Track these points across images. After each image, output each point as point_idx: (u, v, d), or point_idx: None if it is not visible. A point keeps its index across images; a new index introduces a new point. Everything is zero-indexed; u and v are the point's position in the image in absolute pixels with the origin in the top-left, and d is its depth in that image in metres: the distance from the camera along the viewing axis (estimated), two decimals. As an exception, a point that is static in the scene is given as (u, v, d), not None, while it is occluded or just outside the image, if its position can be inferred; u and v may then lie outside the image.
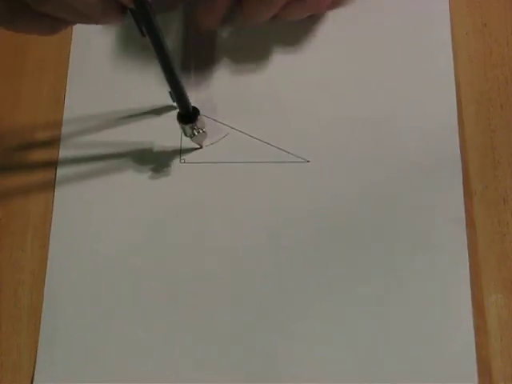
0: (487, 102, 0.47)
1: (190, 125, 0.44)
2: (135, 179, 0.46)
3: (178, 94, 0.42)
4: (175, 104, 0.46)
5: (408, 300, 0.42)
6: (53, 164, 0.47)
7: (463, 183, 0.44)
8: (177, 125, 0.45)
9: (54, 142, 0.48)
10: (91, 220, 0.46)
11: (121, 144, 0.47)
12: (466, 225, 0.43)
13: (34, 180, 0.47)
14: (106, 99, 0.49)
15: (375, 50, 0.49)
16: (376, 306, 0.42)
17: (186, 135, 0.45)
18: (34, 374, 0.42)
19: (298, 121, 0.47)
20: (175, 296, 0.43)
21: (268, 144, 0.47)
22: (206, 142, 0.47)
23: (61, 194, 0.46)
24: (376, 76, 0.48)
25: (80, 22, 0.37)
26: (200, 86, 0.48)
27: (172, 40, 0.49)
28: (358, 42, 0.49)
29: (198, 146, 0.47)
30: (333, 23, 0.49)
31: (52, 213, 0.46)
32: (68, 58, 0.50)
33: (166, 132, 0.47)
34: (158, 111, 0.48)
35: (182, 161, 0.47)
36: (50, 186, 0.47)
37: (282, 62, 0.49)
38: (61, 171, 0.47)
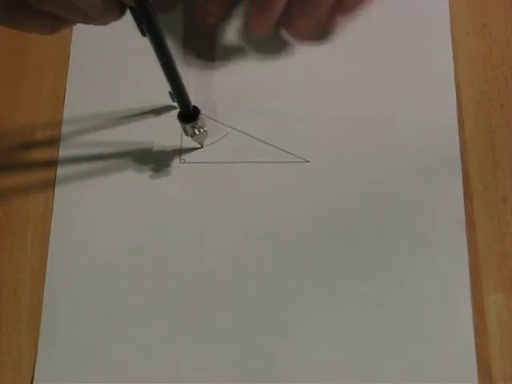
0: (487, 102, 0.47)
1: (191, 124, 0.44)
2: (135, 179, 0.46)
3: (179, 93, 0.42)
4: (175, 104, 0.46)
5: (408, 300, 0.42)
6: (53, 164, 0.47)
7: (463, 183, 0.44)
8: (177, 125, 0.45)
9: (54, 142, 0.48)
10: (91, 220, 0.46)
11: (121, 144, 0.47)
12: (466, 225, 0.43)
13: (34, 180, 0.47)
14: (106, 99, 0.49)
15: (375, 49, 0.49)
16: (376, 306, 0.42)
17: (186, 135, 0.45)
18: (34, 374, 0.42)
19: (298, 121, 0.47)
20: (175, 296, 0.43)
21: (268, 144, 0.47)
22: (206, 142, 0.47)
23: (61, 193, 0.46)
24: (376, 76, 0.48)
25: (80, 22, 0.37)
26: (200, 86, 0.48)
27: (172, 40, 0.49)
28: (358, 41, 0.49)
29: (198, 146, 0.47)
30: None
31: (52, 213, 0.46)
32: (68, 58, 0.50)
33: (165, 132, 0.47)
34: (157, 111, 0.48)
35: (182, 161, 0.47)
36: (50, 185, 0.47)
37: (281, 61, 0.49)
38: (61, 171, 0.47)
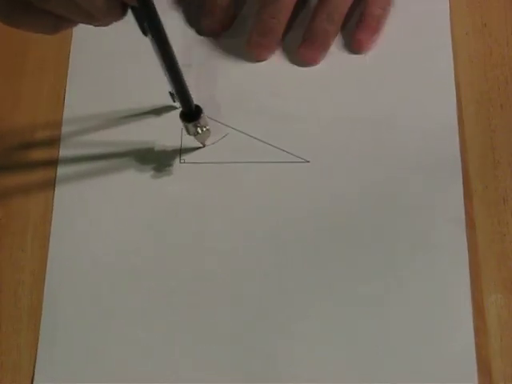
0: (487, 102, 0.47)
1: (194, 123, 0.44)
2: (135, 179, 0.46)
3: (182, 91, 0.42)
4: (175, 104, 0.47)
5: (408, 300, 0.42)
6: (53, 164, 0.47)
7: (463, 183, 0.44)
8: (177, 125, 0.45)
9: (54, 142, 0.48)
10: (91, 220, 0.46)
11: (121, 144, 0.47)
12: (466, 225, 0.43)
13: (34, 180, 0.47)
14: (106, 99, 0.49)
15: (375, 49, 0.49)
16: (376, 306, 0.42)
17: (189, 134, 0.45)
18: (34, 374, 0.42)
19: (298, 121, 0.47)
20: (175, 296, 0.43)
21: (268, 144, 0.47)
22: (206, 142, 0.47)
23: (61, 193, 0.46)
24: (376, 76, 0.48)
25: (82, 22, 0.37)
26: (199, 86, 0.48)
27: (171, 40, 0.49)
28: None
29: (199, 146, 0.47)
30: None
31: (52, 213, 0.46)
32: (68, 58, 0.50)
33: (166, 132, 0.47)
34: (158, 111, 0.48)
35: (182, 161, 0.47)
36: (50, 185, 0.47)
37: (281, 61, 0.49)
38: (61, 171, 0.47)
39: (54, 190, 0.46)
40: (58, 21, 0.36)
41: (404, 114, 0.47)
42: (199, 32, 0.51)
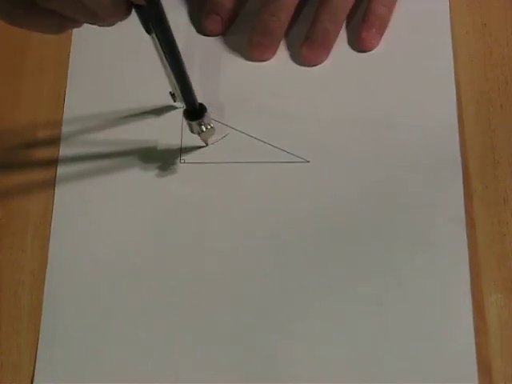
0: (487, 102, 0.47)
1: (198, 121, 0.44)
2: (135, 179, 0.46)
3: (187, 90, 0.42)
4: (175, 104, 0.47)
5: (408, 300, 0.42)
6: (53, 164, 0.47)
7: (463, 183, 0.44)
8: (177, 124, 0.45)
9: (54, 142, 0.48)
10: (91, 220, 0.46)
11: (121, 144, 0.47)
12: (466, 225, 0.43)
13: (34, 180, 0.47)
14: (106, 99, 0.49)
15: (375, 49, 0.49)
16: (376, 306, 0.42)
17: (193, 132, 0.45)
18: (34, 374, 0.42)
19: (298, 121, 0.47)
20: (175, 296, 0.43)
21: (268, 144, 0.47)
22: (208, 141, 0.47)
23: (61, 193, 0.46)
24: (376, 76, 0.48)
25: (87, 22, 0.37)
26: (199, 86, 0.48)
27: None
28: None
29: (199, 146, 0.47)
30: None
31: (52, 213, 0.46)
32: (68, 57, 0.50)
33: (166, 132, 0.47)
34: (158, 111, 0.48)
35: (182, 161, 0.47)
36: (51, 185, 0.47)
37: (282, 61, 0.49)
38: (61, 171, 0.47)
39: (54, 190, 0.46)
40: (63, 21, 0.36)
41: (404, 113, 0.47)
42: (200, 31, 0.51)
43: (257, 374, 0.41)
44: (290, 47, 0.50)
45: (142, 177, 0.46)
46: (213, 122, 0.45)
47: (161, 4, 0.36)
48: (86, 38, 0.50)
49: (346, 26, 0.50)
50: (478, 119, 0.46)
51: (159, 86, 0.46)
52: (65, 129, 0.48)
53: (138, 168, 0.47)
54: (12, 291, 0.44)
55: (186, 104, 0.43)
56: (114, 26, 0.37)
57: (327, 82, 0.48)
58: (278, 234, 0.44)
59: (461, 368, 0.40)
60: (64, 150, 0.47)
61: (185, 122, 0.45)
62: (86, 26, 0.37)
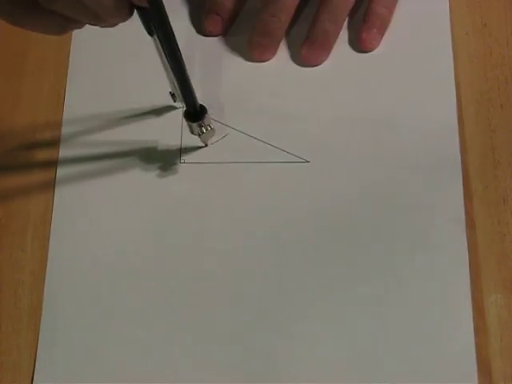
0: (487, 102, 0.47)
1: (198, 123, 0.44)
2: (135, 179, 0.46)
3: (187, 91, 0.42)
4: (175, 104, 0.47)
5: (408, 300, 0.42)
6: (53, 164, 0.47)
7: (463, 183, 0.44)
8: (177, 125, 0.45)
9: (54, 142, 0.48)
10: (91, 220, 0.46)
11: (121, 144, 0.47)
12: (466, 225, 0.43)
13: (34, 180, 0.47)
14: (106, 99, 0.49)
15: (375, 50, 0.49)
16: (376, 306, 0.42)
17: (193, 133, 0.45)
18: (34, 374, 0.42)
19: (298, 121, 0.47)
20: (175, 296, 0.43)
21: (268, 144, 0.47)
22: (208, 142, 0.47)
23: (61, 194, 0.46)
24: (376, 76, 0.48)
25: (89, 23, 0.37)
26: (199, 86, 0.48)
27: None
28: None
29: (199, 146, 0.47)
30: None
31: (52, 213, 0.46)
32: (68, 57, 0.50)
33: (166, 132, 0.47)
34: (158, 111, 0.48)
35: (182, 161, 0.47)
36: (50, 186, 0.47)
37: (281, 62, 0.49)
38: (61, 171, 0.47)
39: (54, 190, 0.46)
40: (65, 21, 0.36)
41: (404, 113, 0.47)
42: (200, 31, 0.51)
43: (257, 374, 0.41)
44: (290, 47, 0.50)
45: (141, 177, 0.46)
46: (213, 122, 0.45)
47: (163, 5, 0.36)
48: (86, 38, 0.50)
49: (347, 27, 0.50)
50: (477, 119, 0.46)
51: (159, 87, 0.46)
52: (65, 129, 0.48)
53: (138, 168, 0.47)
54: (12, 291, 0.44)
55: (187, 105, 0.44)
56: (113, 27, 0.37)
57: (327, 83, 0.48)
58: (278, 234, 0.44)
59: (461, 368, 0.40)
60: (64, 150, 0.47)
61: (185, 123, 0.45)
62: (86, 26, 0.38)
